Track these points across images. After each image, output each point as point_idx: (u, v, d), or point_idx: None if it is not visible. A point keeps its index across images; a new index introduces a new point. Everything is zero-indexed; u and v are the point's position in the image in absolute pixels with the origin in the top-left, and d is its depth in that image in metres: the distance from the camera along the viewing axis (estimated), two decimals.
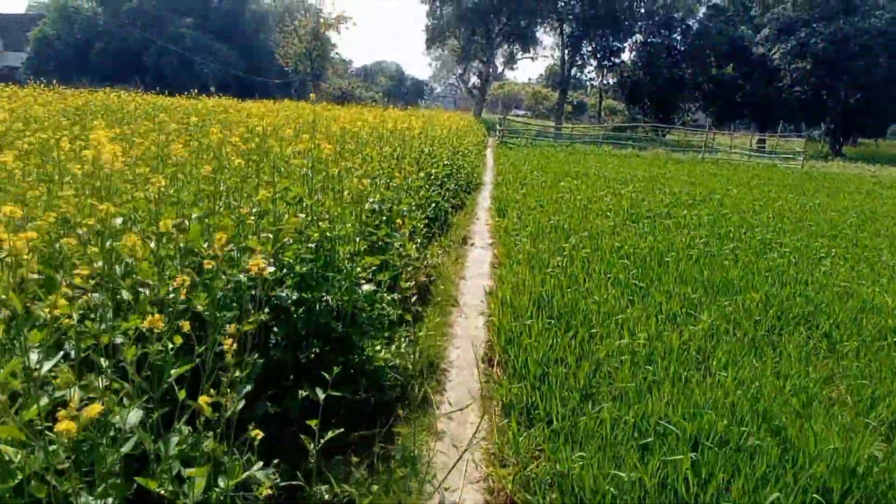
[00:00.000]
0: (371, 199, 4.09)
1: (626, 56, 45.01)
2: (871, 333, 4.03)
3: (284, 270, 3.04)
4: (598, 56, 44.46)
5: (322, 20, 39.99)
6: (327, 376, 2.36)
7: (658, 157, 20.48)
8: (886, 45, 35.27)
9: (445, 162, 8.95)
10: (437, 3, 39.71)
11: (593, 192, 9.20)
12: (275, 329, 2.97)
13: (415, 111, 26.61)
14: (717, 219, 7.55)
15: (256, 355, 2.52)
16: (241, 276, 2.52)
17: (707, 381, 3.08)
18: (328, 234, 3.22)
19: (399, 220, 4.45)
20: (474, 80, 51.42)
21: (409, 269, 4.98)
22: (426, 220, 6.00)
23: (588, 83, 57.00)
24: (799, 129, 47.69)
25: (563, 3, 40.35)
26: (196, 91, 19.14)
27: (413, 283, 4.88)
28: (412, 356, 3.32)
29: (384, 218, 4.58)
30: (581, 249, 5.41)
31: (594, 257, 5.23)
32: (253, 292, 2.89)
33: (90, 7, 46.38)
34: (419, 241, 5.42)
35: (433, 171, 7.92)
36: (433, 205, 6.84)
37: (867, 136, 41.29)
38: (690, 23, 40.04)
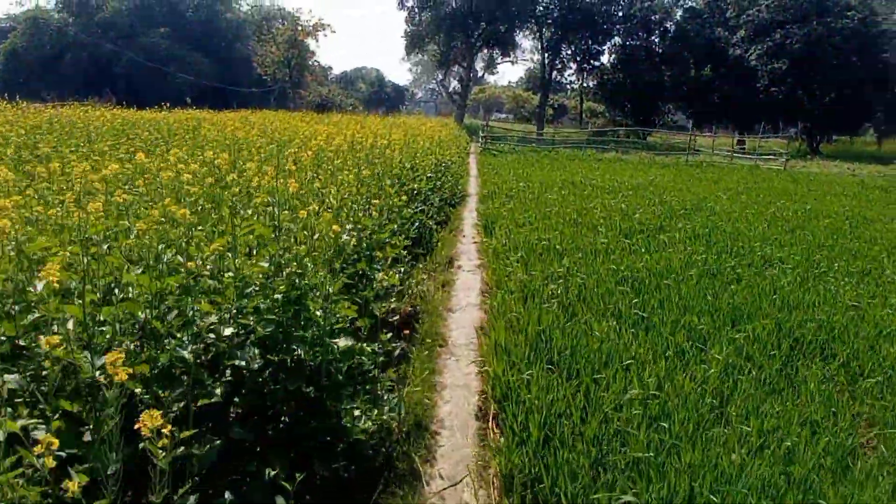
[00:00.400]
0: (347, 230, 3.71)
1: (605, 58, 45.28)
2: (893, 363, 3.75)
3: (247, 327, 2.63)
4: (578, 59, 44.60)
5: (300, 28, 39.47)
6: (289, 487, 1.96)
7: (642, 161, 20.38)
8: (859, 45, 35.92)
9: (429, 175, 8.60)
10: (416, 10, 39.47)
11: (583, 203, 8.90)
12: (235, 399, 2.56)
13: (395, 119, 26.27)
14: (712, 231, 7.28)
15: (208, 446, 2.12)
16: (186, 353, 2.11)
17: (728, 435, 2.75)
18: (297, 281, 2.82)
19: (379, 253, 4.07)
20: (455, 84, 51.32)
21: (392, 301, 4.60)
22: (410, 242, 5.61)
23: (568, 86, 57.25)
24: (776, 129, 48.35)
25: (541, 8, 40.42)
26: (168, 104, 18.59)
27: (397, 317, 4.49)
28: (397, 416, 2.93)
29: (364, 246, 4.20)
30: (576, 274, 5.07)
31: (590, 282, 4.89)
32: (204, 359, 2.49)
33: (60, 18, 45.25)
34: (402, 268, 5.05)
35: (416, 186, 7.57)
36: (416, 223, 6.48)
37: (842, 134, 41.94)
38: (668, 25, 40.37)
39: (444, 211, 8.52)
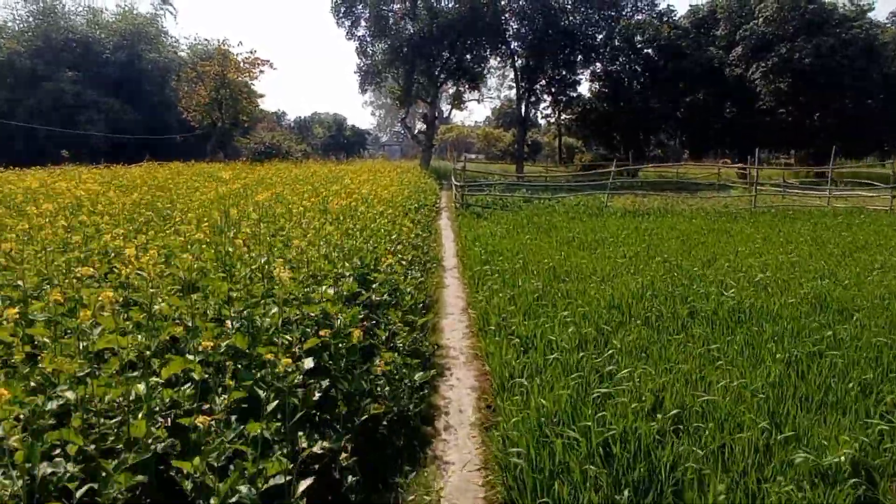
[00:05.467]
0: None
1: (584, 88, 40.64)
2: None
3: None
4: (553, 90, 39.65)
5: (231, 63, 33.33)
6: None
7: (675, 207, 14.44)
8: (870, 56, 31.89)
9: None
10: (368, 39, 33.99)
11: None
12: None
13: (347, 165, 19.95)
14: None
15: None
16: None
17: None
18: None
19: None
20: (420, 125, 45.73)
21: None
22: None
23: (543, 121, 52.57)
24: (776, 153, 44.06)
25: (511, 31, 35.45)
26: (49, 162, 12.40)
27: None
28: None
29: None
30: None
31: None
32: None
33: None
34: None
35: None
36: None
37: (856, 157, 37.49)
38: (656, 45, 35.79)
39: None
